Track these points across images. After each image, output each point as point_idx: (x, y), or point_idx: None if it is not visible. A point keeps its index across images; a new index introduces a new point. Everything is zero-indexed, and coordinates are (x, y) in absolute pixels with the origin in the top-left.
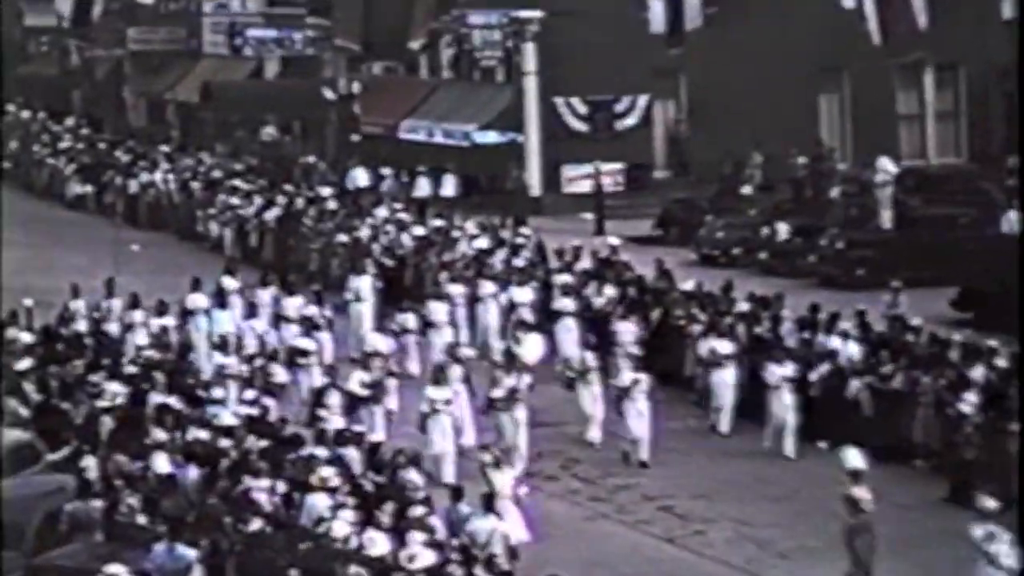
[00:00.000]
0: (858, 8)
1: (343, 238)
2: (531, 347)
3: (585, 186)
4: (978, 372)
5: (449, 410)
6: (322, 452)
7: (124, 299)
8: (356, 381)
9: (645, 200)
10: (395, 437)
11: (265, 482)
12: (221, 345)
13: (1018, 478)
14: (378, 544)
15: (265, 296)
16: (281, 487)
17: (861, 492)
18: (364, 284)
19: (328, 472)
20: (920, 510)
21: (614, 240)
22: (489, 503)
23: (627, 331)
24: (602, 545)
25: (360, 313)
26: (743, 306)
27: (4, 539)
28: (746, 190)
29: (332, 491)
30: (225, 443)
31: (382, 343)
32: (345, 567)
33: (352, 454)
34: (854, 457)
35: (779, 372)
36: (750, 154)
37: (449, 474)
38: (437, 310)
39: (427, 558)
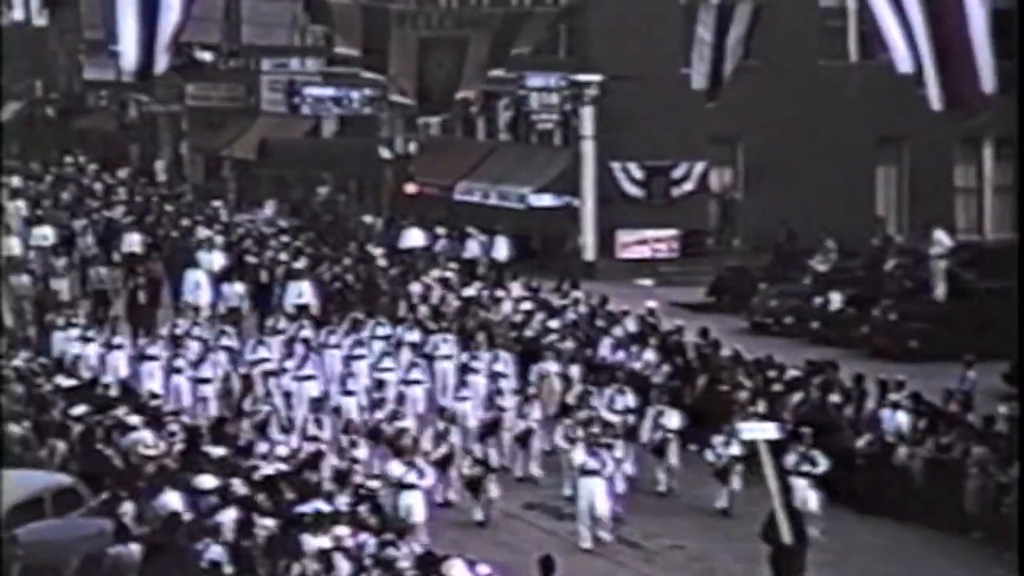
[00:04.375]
0: (917, 74)
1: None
2: None
3: (639, 252)
4: None
5: None
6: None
7: None
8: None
9: (700, 267)
10: None
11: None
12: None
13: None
14: None
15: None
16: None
17: None
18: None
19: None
20: None
21: (652, 303)
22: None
23: None
24: None
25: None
26: (793, 372)
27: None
28: (822, 267)
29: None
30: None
31: None
32: None
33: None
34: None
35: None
36: (823, 241)
37: None
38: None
39: None
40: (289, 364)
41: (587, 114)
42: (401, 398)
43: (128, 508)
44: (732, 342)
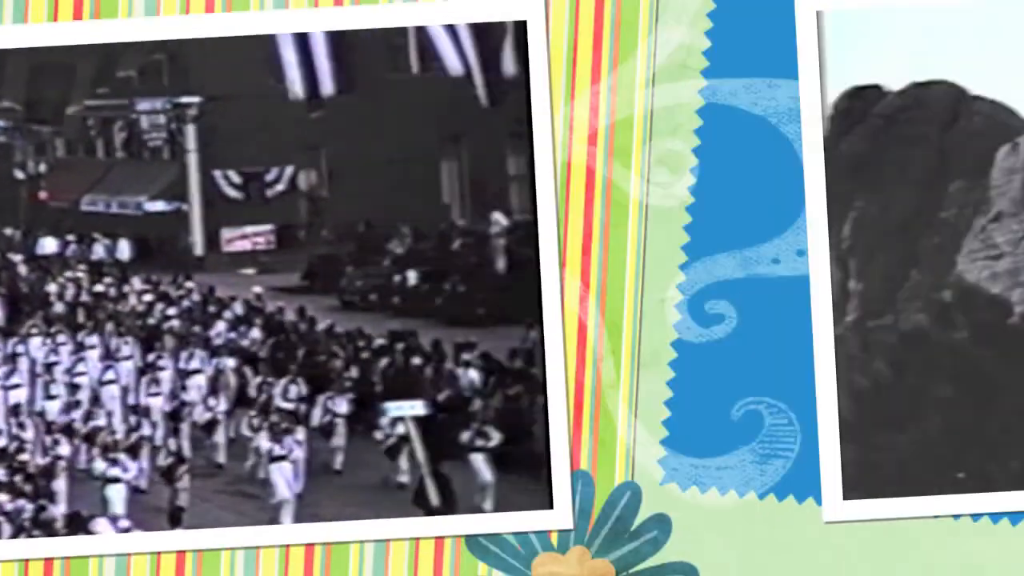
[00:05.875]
0: None
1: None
2: None
3: (241, 246)
4: None
5: None
6: None
7: None
8: None
9: (294, 256)
10: None
11: None
12: None
13: None
14: None
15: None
16: None
17: None
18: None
19: None
20: None
21: (257, 289)
22: None
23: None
24: None
25: None
26: (379, 341)
27: None
28: (399, 250)
29: None
30: None
31: None
32: None
33: None
34: None
35: None
36: (399, 227)
37: None
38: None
39: None
40: None
41: (190, 131)
42: (96, 398)
43: None
44: (326, 318)
